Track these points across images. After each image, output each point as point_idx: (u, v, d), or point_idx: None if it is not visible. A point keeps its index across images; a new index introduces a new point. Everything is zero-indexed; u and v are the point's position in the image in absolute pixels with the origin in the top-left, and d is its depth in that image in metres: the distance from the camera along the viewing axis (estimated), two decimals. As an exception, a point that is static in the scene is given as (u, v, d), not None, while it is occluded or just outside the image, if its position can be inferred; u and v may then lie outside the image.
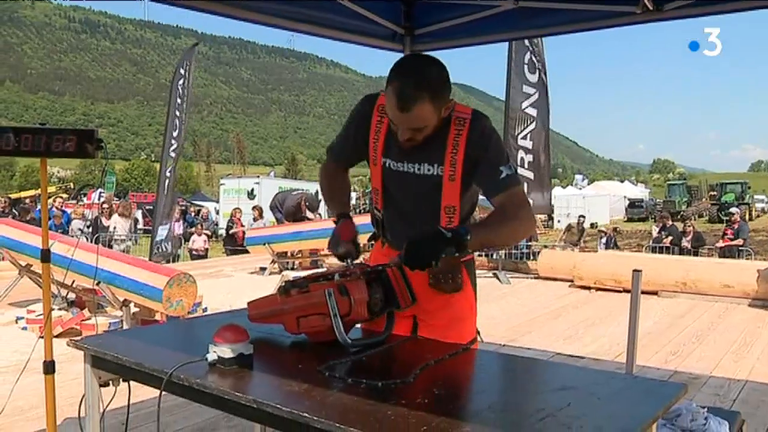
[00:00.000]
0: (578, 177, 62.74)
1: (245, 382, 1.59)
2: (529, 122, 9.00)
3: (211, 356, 1.66)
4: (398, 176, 2.03)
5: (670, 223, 13.68)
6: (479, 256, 10.42)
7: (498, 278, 9.14)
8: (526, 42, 8.74)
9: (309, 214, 11.76)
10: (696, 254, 10.53)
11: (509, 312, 7.00)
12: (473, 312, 2.15)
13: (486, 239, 1.88)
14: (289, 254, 10.57)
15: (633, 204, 41.38)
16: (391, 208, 2.12)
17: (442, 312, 2.07)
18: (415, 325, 2.12)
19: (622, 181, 60.79)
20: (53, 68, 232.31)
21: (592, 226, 35.34)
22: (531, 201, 8.93)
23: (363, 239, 2.17)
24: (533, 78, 8.98)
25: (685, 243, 11.52)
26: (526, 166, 9.03)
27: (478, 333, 2.18)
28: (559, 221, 36.11)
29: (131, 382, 1.92)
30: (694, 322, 6.52)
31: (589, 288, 8.45)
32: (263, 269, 10.25)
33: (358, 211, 29.03)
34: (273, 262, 10.14)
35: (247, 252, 11.42)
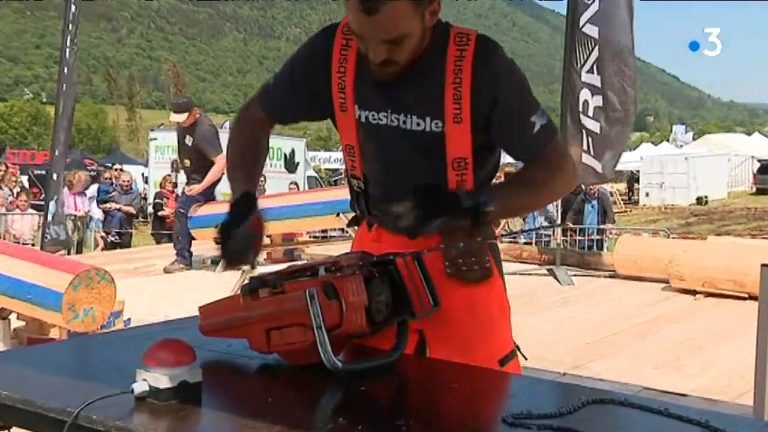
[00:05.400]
0: (678, 128, 62.50)
1: (190, 423, 1.60)
2: (591, 47, 8.73)
3: (140, 386, 1.66)
4: (380, 131, 2.05)
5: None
6: (525, 244, 10.38)
7: (555, 277, 9.13)
8: None
9: None
10: None
11: (572, 326, 7.01)
12: (505, 314, 2.17)
13: (512, 209, 1.97)
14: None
15: (767, 168, 39.52)
16: (376, 174, 2.14)
17: (460, 315, 2.07)
18: (422, 342, 2.10)
19: (749, 134, 59.79)
20: None
21: (699, 201, 34.80)
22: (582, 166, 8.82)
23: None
24: None
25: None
26: (590, 113, 8.70)
27: (518, 348, 2.19)
28: (647, 194, 35.89)
29: (14, 430, 1.93)
30: None
31: (694, 292, 8.45)
32: (214, 262, 10.28)
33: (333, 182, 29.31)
34: (228, 252, 10.16)
35: (192, 238, 11.47)
